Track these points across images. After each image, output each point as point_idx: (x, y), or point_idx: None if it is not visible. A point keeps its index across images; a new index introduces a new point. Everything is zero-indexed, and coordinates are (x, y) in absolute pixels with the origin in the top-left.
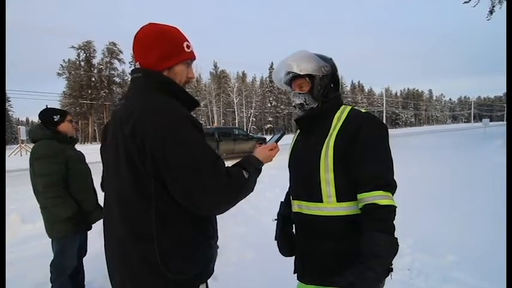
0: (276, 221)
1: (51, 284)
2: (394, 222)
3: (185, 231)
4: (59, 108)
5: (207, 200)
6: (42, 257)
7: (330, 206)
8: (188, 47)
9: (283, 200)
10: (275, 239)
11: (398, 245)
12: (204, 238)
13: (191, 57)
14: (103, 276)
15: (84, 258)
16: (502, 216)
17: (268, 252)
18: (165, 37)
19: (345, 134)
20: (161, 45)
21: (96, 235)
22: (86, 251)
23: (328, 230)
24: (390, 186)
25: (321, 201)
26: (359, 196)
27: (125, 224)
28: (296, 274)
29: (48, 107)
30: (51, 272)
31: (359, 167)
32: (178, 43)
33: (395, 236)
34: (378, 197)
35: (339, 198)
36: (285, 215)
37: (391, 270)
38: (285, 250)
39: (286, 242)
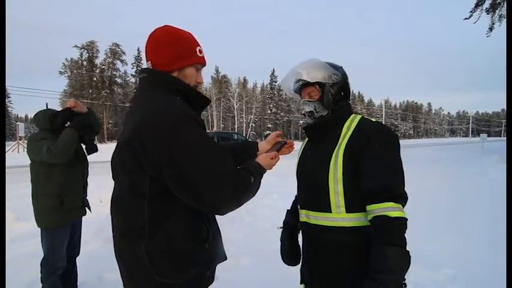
0: (281, 229)
1: (41, 284)
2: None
3: (178, 233)
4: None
5: (216, 200)
6: (34, 256)
7: (338, 216)
8: (200, 51)
9: (288, 209)
10: (280, 248)
11: (410, 258)
12: (198, 242)
13: (202, 61)
14: (96, 277)
15: (77, 259)
16: (499, 231)
17: (264, 258)
18: (179, 39)
19: (354, 144)
20: (175, 46)
21: (89, 236)
22: (79, 251)
23: (336, 241)
24: (401, 198)
25: (329, 211)
26: (368, 208)
27: (121, 223)
28: (303, 285)
29: (47, 106)
30: (41, 271)
31: (369, 178)
32: (192, 46)
33: (407, 249)
34: (389, 209)
35: (348, 209)
36: (291, 224)
37: (405, 285)
38: (289, 259)
39: (292, 251)
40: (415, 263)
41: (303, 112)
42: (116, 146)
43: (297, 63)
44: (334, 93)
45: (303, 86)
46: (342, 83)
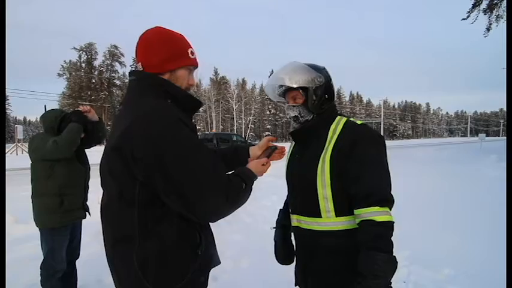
0: (274, 229)
1: (41, 287)
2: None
3: (169, 240)
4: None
5: (207, 207)
6: (34, 258)
7: (328, 221)
8: (192, 53)
9: (281, 208)
10: (274, 248)
11: (396, 263)
12: (190, 248)
13: (194, 63)
14: (96, 280)
15: (77, 262)
16: (498, 230)
17: (264, 259)
18: (170, 40)
19: (340, 148)
20: (166, 47)
21: (89, 239)
22: (79, 254)
23: (328, 245)
24: (387, 202)
25: (319, 216)
26: (356, 212)
27: (111, 232)
28: (298, 287)
29: (47, 107)
30: (41, 274)
31: (355, 182)
32: (183, 48)
33: (393, 254)
34: (375, 213)
35: (338, 213)
36: (284, 224)
37: None
38: (283, 259)
39: (285, 251)
40: (415, 262)
41: (288, 117)
42: (104, 152)
43: (279, 67)
44: (318, 97)
45: (287, 91)
46: (325, 85)
